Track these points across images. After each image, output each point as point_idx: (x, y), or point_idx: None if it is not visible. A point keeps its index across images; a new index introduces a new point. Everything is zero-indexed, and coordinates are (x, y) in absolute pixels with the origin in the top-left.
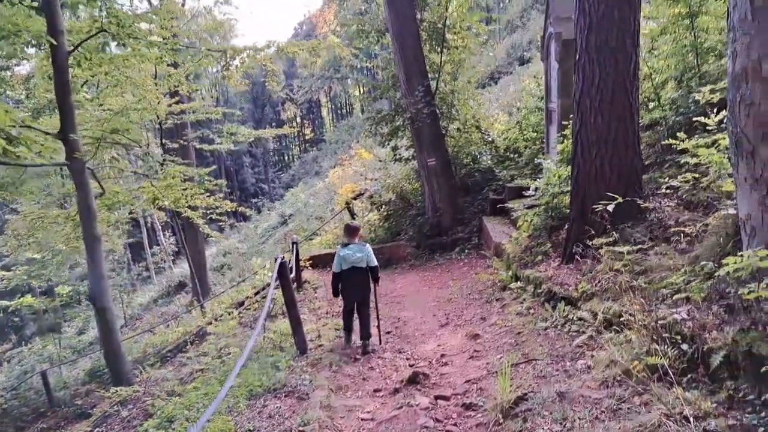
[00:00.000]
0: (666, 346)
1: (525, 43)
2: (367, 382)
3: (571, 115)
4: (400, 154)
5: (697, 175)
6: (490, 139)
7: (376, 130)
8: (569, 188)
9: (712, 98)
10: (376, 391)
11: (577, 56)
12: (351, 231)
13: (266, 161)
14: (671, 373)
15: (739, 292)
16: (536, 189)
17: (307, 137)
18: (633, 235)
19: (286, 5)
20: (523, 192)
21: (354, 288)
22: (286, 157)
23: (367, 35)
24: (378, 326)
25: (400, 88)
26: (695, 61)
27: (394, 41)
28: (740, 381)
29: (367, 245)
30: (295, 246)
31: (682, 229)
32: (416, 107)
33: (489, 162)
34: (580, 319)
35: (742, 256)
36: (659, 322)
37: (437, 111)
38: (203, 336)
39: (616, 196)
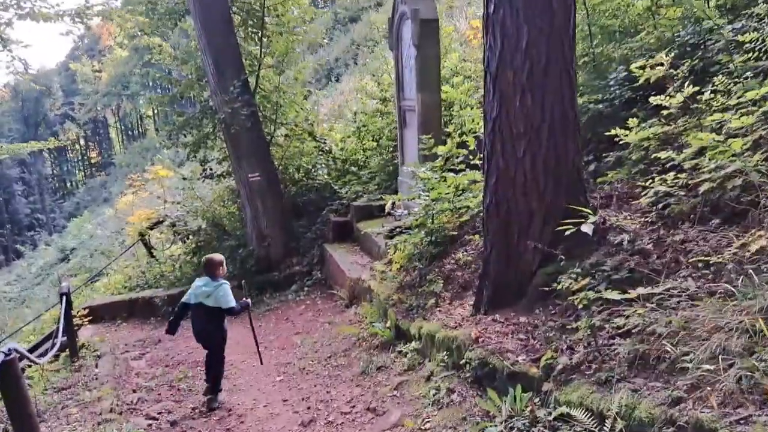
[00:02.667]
0: None
1: (332, 60)
2: None
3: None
4: (211, 169)
5: (681, 176)
6: (327, 148)
7: (178, 138)
8: (465, 202)
9: (652, 75)
10: None
11: (492, 8)
12: (207, 265)
13: (42, 188)
14: None
15: None
16: (394, 205)
17: (93, 161)
18: (600, 269)
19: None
20: (375, 212)
21: (196, 328)
22: (68, 184)
23: (161, 18)
24: (256, 341)
25: (208, 84)
26: (589, 41)
27: (198, 24)
28: None
29: (224, 283)
30: (65, 298)
31: (701, 258)
32: (231, 107)
33: (326, 177)
34: (564, 419)
35: None
36: None
37: (259, 113)
38: None
39: (584, 208)
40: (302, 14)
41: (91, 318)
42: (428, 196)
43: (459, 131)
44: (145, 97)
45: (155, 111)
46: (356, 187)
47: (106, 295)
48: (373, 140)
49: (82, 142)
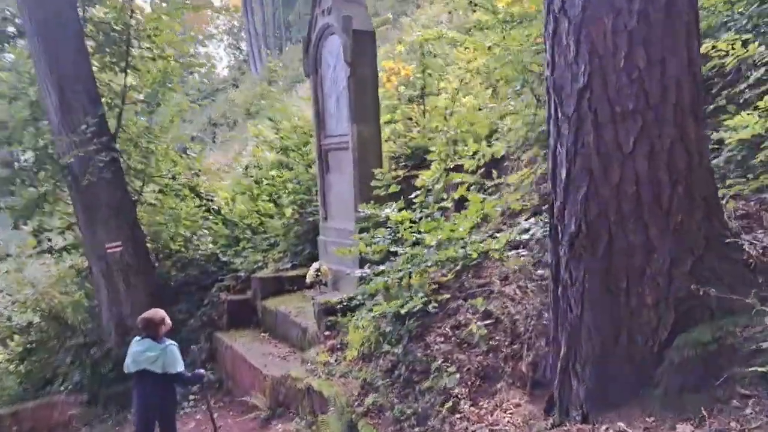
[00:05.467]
0: None
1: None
2: None
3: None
4: (49, 241)
5: None
6: (215, 207)
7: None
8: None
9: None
10: None
11: None
12: (146, 326)
13: None
14: None
15: None
16: (318, 272)
17: None
18: None
19: None
20: (287, 285)
21: (142, 403)
22: None
23: None
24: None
25: (50, 122)
26: None
27: (36, 44)
28: None
29: (171, 344)
30: None
31: None
32: (84, 150)
33: (211, 246)
34: None
35: None
36: None
37: (122, 162)
38: None
39: None
40: (179, 40)
41: None
42: (411, 245)
43: (441, 155)
44: None
45: None
46: (255, 256)
47: None
48: (269, 200)
49: None
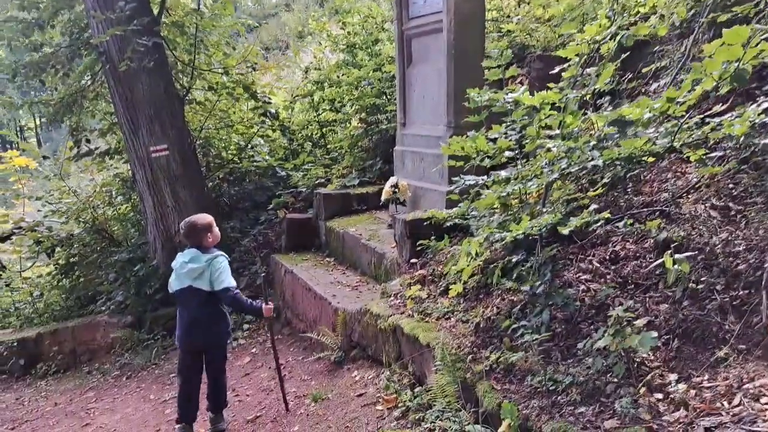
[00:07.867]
0: None
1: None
2: None
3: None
4: (88, 141)
5: None
6: (273, 111)
7: (31, 78)
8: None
9: None
10: None
11: None
12: (188, 233)
13: None
14: None
15: None
16: (395, 188)
17: None
18: None
19: None
20: (356, 203)
21: (185, 328)
22: None
23: None
24: (281, 383)
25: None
26: None
27: None
28: None
29: (220, 254)
30: None
31: None
32: (122, 30)
33: (267, 158)
34: None
35: None
36: None
37: (167, 51)
38: None
39: None
40: None
41: None
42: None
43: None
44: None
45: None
46: (316, 171)
47: None
48: (332, 109)
49: None
